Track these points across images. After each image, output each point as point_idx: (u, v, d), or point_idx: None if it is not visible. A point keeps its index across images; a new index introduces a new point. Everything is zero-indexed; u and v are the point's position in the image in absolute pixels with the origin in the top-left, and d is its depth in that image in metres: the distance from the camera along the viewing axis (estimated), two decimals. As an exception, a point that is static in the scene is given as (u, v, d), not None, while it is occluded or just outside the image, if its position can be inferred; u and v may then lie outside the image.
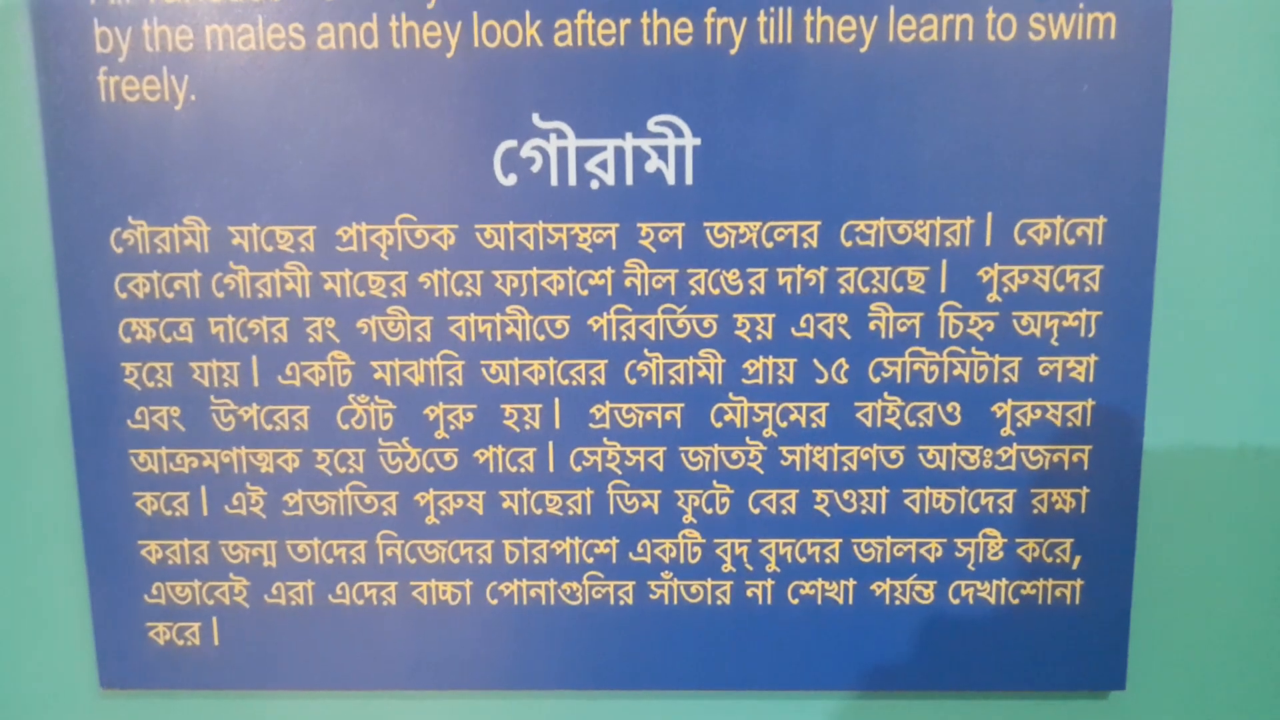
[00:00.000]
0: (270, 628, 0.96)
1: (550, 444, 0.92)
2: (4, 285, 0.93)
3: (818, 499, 0.92)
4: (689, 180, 0.88)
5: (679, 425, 0.91)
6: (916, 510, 0.92)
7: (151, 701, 0.99)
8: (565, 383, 0.91)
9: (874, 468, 0.91)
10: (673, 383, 0.91)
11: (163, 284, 0.90)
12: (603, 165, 0.88)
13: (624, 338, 0.90)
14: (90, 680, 0.99)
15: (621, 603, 0.94)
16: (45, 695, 1.00)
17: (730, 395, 0.91)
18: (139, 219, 0.90)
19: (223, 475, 0.93)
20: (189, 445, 0.93)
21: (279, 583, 0.95)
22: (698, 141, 0.87)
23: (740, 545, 0.93)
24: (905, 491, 0.92)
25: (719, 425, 0.91)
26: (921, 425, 0.91)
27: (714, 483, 0.92)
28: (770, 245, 0.88)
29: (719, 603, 0.94)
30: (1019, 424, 0.90)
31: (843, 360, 0.90)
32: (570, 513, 0.93)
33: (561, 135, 0.88)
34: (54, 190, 0.89)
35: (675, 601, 0.94)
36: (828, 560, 0.93)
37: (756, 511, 0.92)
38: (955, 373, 0.90)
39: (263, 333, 0.91)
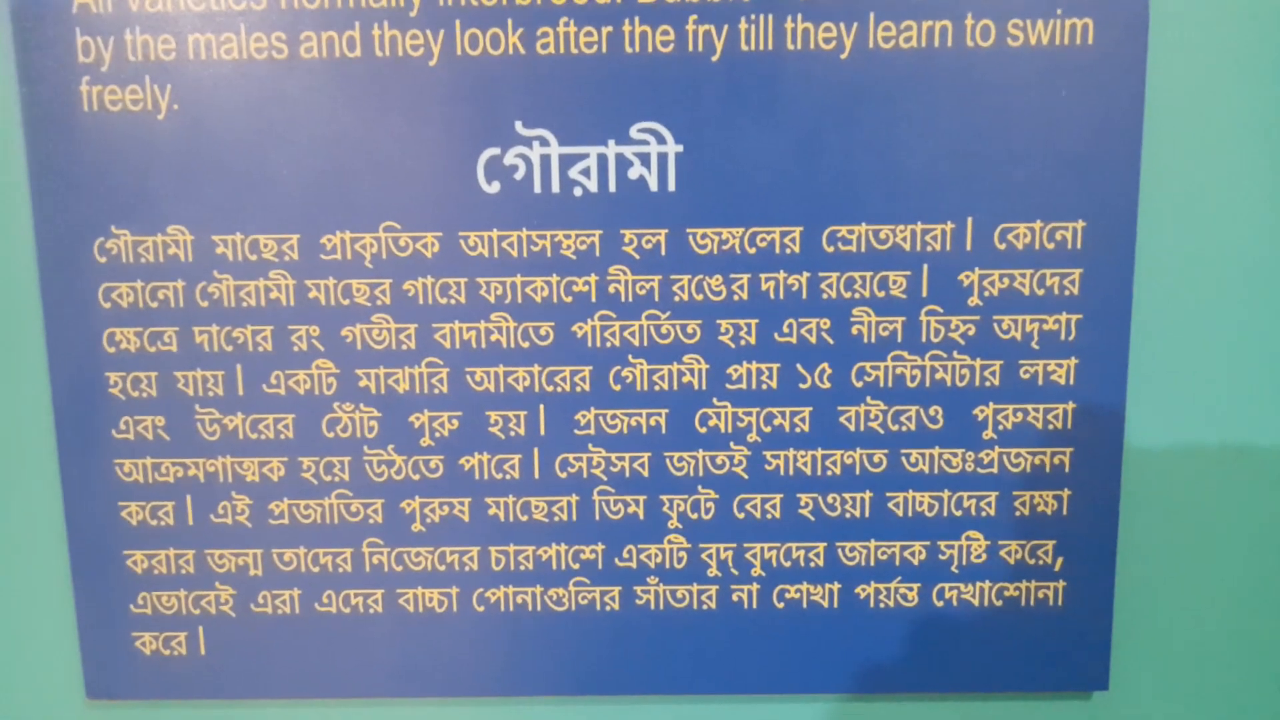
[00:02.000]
0: (257, 636, 1.01)
1: (536, 450, 0.98)
2: (-10, 296, 0.99)
3: (802, 503, 0.98)
4: (671, 187, 0.94)
5: (663, 431, 0.97)
6: (900, 513, 0.98)
7: (138, 711, 1.05)
8: (550, 389, 0.97)
9: (857, 471, 0.98)
10: (657, 388, 0.97)
11: (146, 293, 0.96)
12: (585, 172, 0.94)
13: (608, 344, 0.96)
14: (76, 690, 1.04)
15: (608, 608, 1.01)
16: (31, 706, 1.05)
17: (714, 400, 0.97)
18: (122, 228, 0.95)
19: (208, 484, 0.99)
20: (174, 454, 0.99)
21: (265, 591, 1.01)
22: (680, 148, 0.93)
23: (725, 550, 0.99)
24: (889, 495, 0.98)
25: (703, 430, 0.97)
26: (904, 429, 0.97)
27: (699, 488, 0.98)
28: (753, 251, 0.94)
29: (705, 607, 1.00)
30: (1000, 427, 0.97)
31: (826, 365, 0.96)
32: (556, 519, 0.99)
33: (544, 143, 0.94)
34: (37, 200, 0.95)
35: (661, 606, 1.00)
36: (812, 564, 0.99)
37: (741, 516, 0.99)
38: (937, 376, 0.96)
39: (247, 341, 0.97)
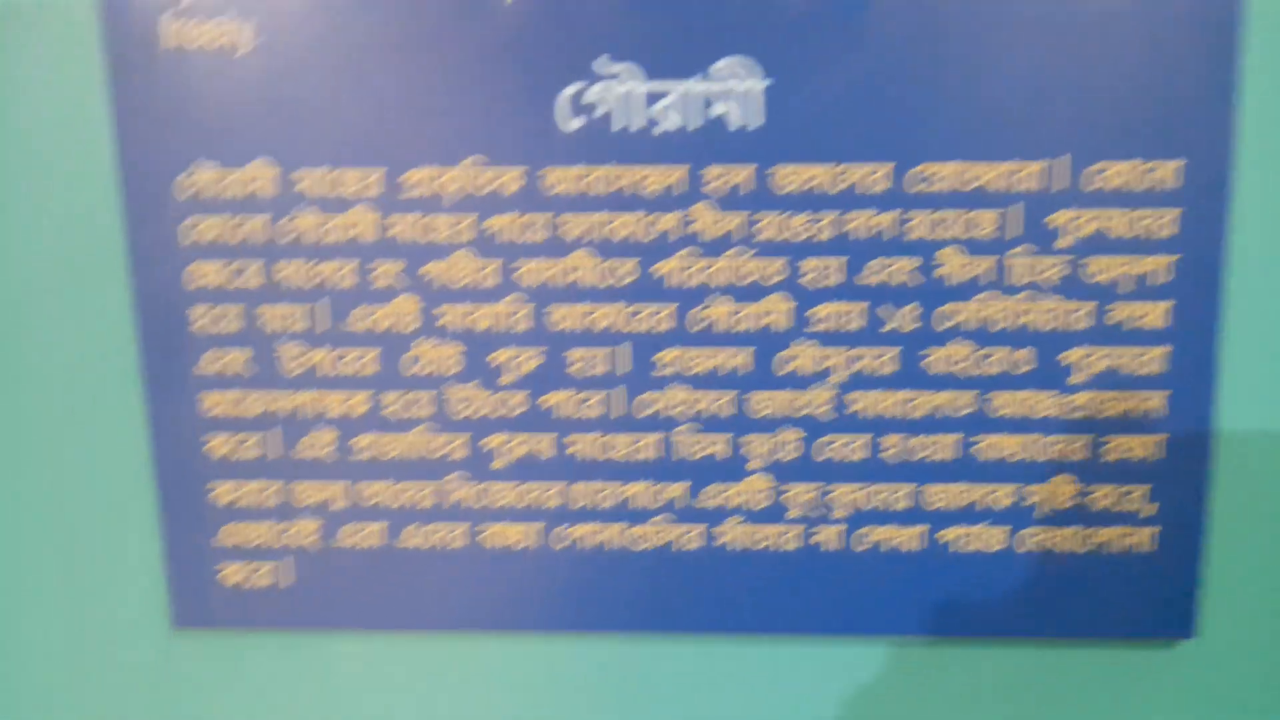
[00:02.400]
0: (340, 569, 1.04)
1: (617, 389, 0.99)
2: (72, 233, 1.00)
3: (886, 445, 0.99)
4: (757, 123, 0.94)
5: (746, 371, 0.98)
6: (987, 457, 0.99)
7: (223, 640, 1.08)
8: (632, 328, 0.98)
9: (943, 414, 0.98)
10: (740, 328, 0.97)
11: (230, 228, 0.98)
12: (670, 109, 0.94)
13: (691, 283, 0.97)
14: (163, 620, 1.08)
15: (689, 547, 1.02)
16: (119, 634, 1.09)
17: (798, 341, 0.98)
18: (205, 163, 0.97)
19: (292, 418, 1.01)
20: (258, 388, 1.01)
21: (349, 525, 1.03)
22: (766, 84, 0.93)
23: (808, 491, 1.00)
24: (975, 438, 0.98)
25: (786, 371, 0.98)
26: (991, 372, 0.97)
27: (782, 429, 0.99)
28: (839, 189, 0.95)
29: (786, 548, 1.02)
30: (1091, 370, 0.96)
31: (912, 306, 0.96)
32: (637, 458, 1.00)
33: (628, 79, 0.94)
34: (120, 137, 0.97)
35: (742, 546, 1.02)
36: (896, 507, 1.00)
37: (824, 458, 0.99)
38: (1025, 319, 0.96)
39: (330, 277, 0.99)
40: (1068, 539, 1.00)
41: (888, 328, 0.96)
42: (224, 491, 1.03)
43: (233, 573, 1.05)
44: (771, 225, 0.95)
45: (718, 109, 0.94)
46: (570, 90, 0.94)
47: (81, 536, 1.08)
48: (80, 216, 1.00)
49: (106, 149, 0.98)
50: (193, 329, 1.00)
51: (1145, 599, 1.01)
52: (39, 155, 1.00)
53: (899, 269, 0.95)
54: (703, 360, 0.98)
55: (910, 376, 0.97)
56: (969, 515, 1.00)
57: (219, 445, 1.02)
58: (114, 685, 1.11)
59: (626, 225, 0.96)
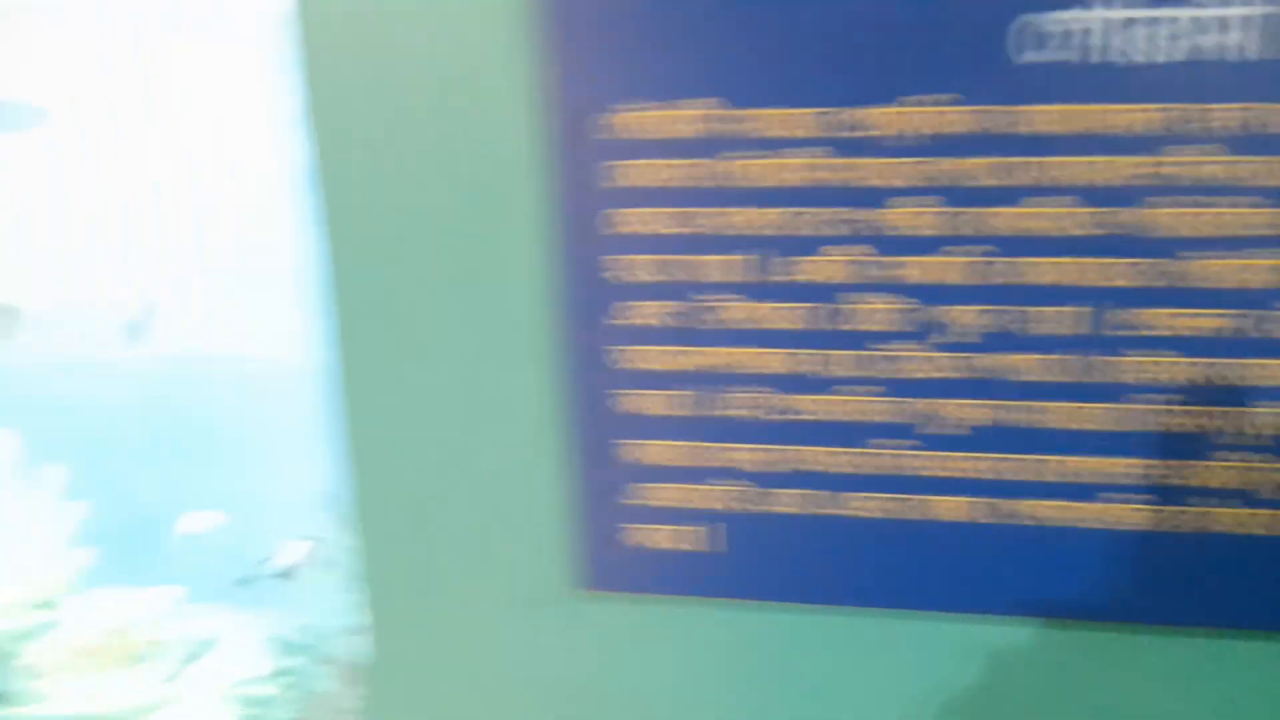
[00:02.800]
0: (763, 536, 0.99)
1: (1080, 352, 0.91)
2: (491, 172, 0.98)
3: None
4: (1253, 54, 0.84)
5: (1223, 334, 0.88)
6: None
7: (628, 605, 1.05)
8: (1100, 283, 0.89)
9: None
10: (1220, 286, 0.88)
11: (654, 171, 0.94)
12: (1145, 39, 0.85)
13: (1170, 234, 0.88)
14: (566, 581, 1.05)
15: (1141, 529, 0.93)
16: (523, 593, 1.07)
17: (1286, 302, 0.87)
18: (634, 102, 0.93)
19: (712, 375, 0.97)
20: (675, 342, 0.97)
21: (773, 489, 0.98)
22: (1265, 10, 0.84)
23: (1284, 470, 0.90)
24: None
25: (1270, 335, 0.89)
26: None
27: (1261, 401, 0.90)
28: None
29: (1266, 534, 0.92)
30: None
31: None
32: (1097, 427, 0.92)
33: (1096, 5, 0.86)
34: (545, 71, 0.94)
35: (1213, 530, 0.92)
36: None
37: (1313, 433, 0.90)
38: None
39: (760, 224, 0.93)
40: None
41: None
42: (636, 449, 1.00)
43: (642, 534, 1.02)
44: (1262, 172, 0.85)
45: (1204, 39, 0.85)
46: (1028, 19, 0.86)
47: (488, 491, 1.06)
48: (501, 155, 0.98)
49: (533, 83, 0.95)
50: (610, 277, 0.96)
51: None
52: (459, 87, 0.97)
53: None
54: (1176, 321, 0.89)
55: None
56: None
57: (633, 400, 0.99)
58: (516, 647, 1.10)
59: (1090, 169, 0.88)
